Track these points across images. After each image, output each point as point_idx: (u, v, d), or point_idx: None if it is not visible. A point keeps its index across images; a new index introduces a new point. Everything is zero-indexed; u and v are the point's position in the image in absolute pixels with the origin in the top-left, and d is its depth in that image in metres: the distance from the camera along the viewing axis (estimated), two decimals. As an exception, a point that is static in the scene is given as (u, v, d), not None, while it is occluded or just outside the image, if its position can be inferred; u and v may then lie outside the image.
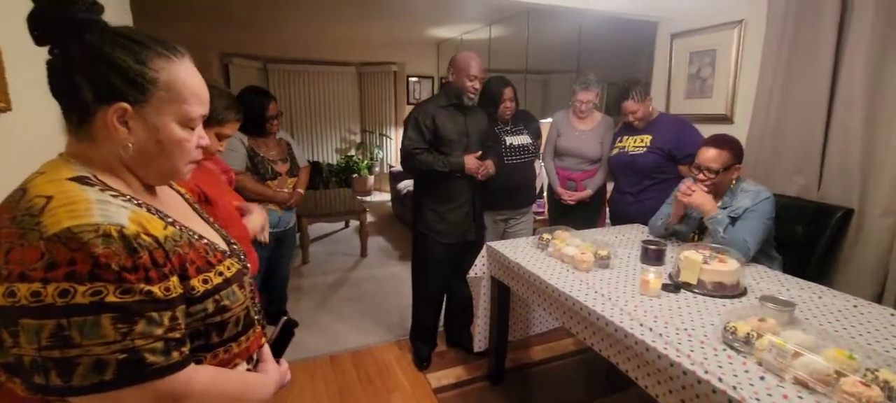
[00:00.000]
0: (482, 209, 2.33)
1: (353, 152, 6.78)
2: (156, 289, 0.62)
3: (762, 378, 1.03)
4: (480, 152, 2.15)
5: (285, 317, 1.04)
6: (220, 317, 0.72)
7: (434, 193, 2.17)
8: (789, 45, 2.15)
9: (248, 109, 2.27)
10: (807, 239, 2.00)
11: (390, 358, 2.42)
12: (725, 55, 2.53)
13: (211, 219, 0.91)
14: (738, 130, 2.43)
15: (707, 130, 2.28)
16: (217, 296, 0.71)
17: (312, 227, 4.16)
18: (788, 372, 1.02)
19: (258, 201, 2.26)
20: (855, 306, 1.43)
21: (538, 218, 3.42)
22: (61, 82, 0.65)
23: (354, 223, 4.93)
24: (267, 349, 0.89)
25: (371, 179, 6.72)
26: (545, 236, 1.97)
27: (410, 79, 6.61)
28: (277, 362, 0.89)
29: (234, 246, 0.87)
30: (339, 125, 6.69)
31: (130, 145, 0.67)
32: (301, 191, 2.46)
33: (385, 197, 6.58)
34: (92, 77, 0.64)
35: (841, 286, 1.89)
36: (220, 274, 0.74)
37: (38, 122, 1.13)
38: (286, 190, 2.38)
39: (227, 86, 5.59)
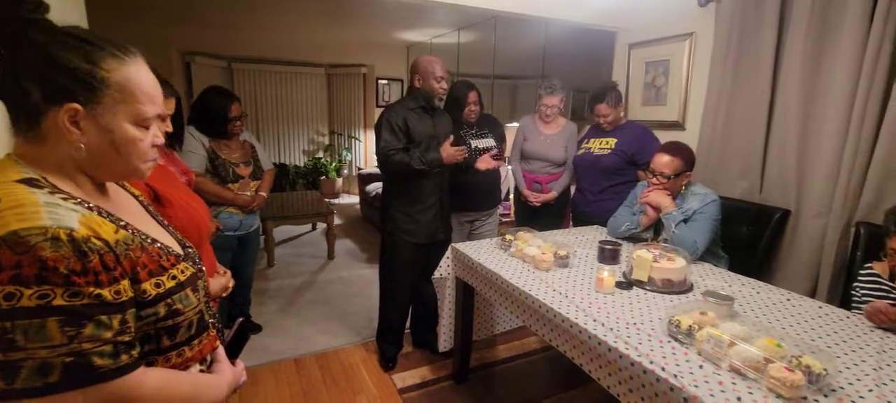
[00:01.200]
0: (449, 209, 2.37)
1: (320, 154, 6.69)
2: (105, 293, 0.62)
3: (701, 367, 1.11)
4: (452, 138, 2.16)
5: (241, 318, 1.04)
6: (171, 321, 0.72)
7: (404, 194, 2.19)
8: (734, 58, 2.30)
9: (209, 110, 2.24)
10: (750, 239, 2.14)
11: (356, 360, 2.42)
12: (678, 65, 2.67)
13: (165, 222, 0.90)
14: (690, 136, 2.57)
15: (662, 136, 2.41)
16: (169, 300, 0.72)
17: (278, 230, 4.09)
18: (724, 361, 1.10)
19: (217, 204, 2.23)
20: (788, 299, 1.55)
21: (505, 220, 3.49)
22: (9, 83, 0.64)
23: (322, 225, 4.87)
24: (221, 350, 0.89)
25: (339, 182, 6.66)
26: (508, 237, 2.03)
27: (380, 81, 6.60)
28: (233, 363, 0.89)
29: (190, 250, 0.87)
30: (307, 126, 6.60)
31: (83, 146, 0.67)
32: (264, 194, 2.42)
33: (353, 199, 6.54)
34: (40, 78, 0.63)
35: (780, 282, 2.03)
36: (173, 277, 0.74)
37: None
38: (248, 193, 2.34)
39: (188, 85, 5.43)
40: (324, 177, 6.49)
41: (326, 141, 6.76)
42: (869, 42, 1.81)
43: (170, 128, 1.30)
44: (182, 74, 5.43)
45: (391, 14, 4.41)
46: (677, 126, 2.70)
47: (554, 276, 1.71)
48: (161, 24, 4.84)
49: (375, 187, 5.04)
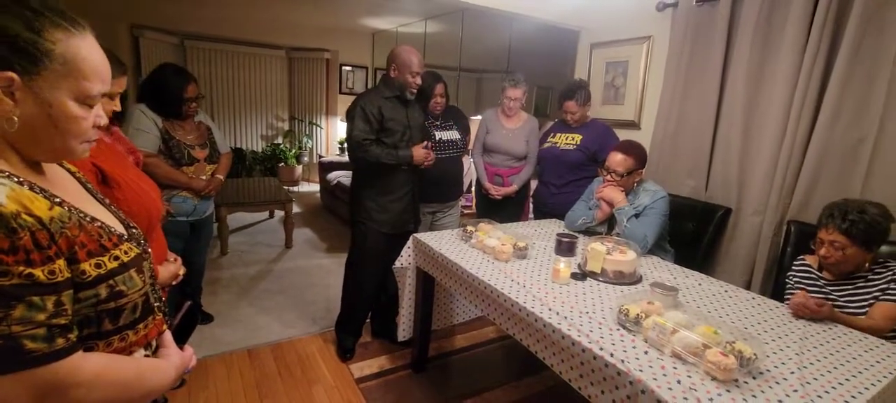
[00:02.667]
0: (419, 200, 2.38)
1: (279, 140, 6.49)
2: (38, 273, 0.58)
3: (646, 353, 1.17)
4: (426, 143, 2.19)
5: (189, 302, 1.01)
6: (114, 303, 0.69)
7: (376, 184, 2.18)
8: (687, 63, 2.42)
9: (163, 89, 2.12)
10: (694, 235, 2.27)
11: (313, 350, 2.38)
12: (636, 67, 2.78)
13: (107, 201, 0.85)
14: (644, 135, 2.69)
15: (620, 135, 2.51)
16: (112, 282, 0.68)
17: (233, 217, 3.94)
18: (667, 347, 1.17)
19: (170, 187, 2.13)
20: (725, 291, 1.66)
21: (466, 212, 3.53)
22: None
23: (279, 213, 4.74)
24: (168, 334, 0.86)
25: (299, 169, 6.49)
26: (469, 228, 2.05)
27: (344, 67, 6.46)
28: (181, 348, 0.86)
29: (134, 230, 0.83)
30: (266, 111, 6.37)
31: (15, 119, 0.62)
32: (221, 177, 2.33)
33: (314, 187, 6.39)
34: None
35: (720, 275, 2.18)
36: (116, 258, 0.71)
37: None
38: (204, 177, 2.24)
39: (136, 62, 5.10)
40: (283, 163, 6.30)
41: (286, 126, 6.55)
42: (805, 56, 1.96)
43: (118, 108, 1.23)
44: (130, 49, 5.09)
45: (357, -1, 4.33)
46: (633, 125, 2.81)
47: (513, 267, 1.75)
48: (106, -6, 4.52)
49: (337, 175, 4.95)
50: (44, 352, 0.57)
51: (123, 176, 1.22)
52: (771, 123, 2.09)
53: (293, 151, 6.39)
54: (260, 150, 6.35)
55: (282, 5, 4.80)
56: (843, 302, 1.56)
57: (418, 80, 2.14)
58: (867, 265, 1.55)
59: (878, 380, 1.12)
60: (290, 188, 6.18)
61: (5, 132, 0.63)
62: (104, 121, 0.73)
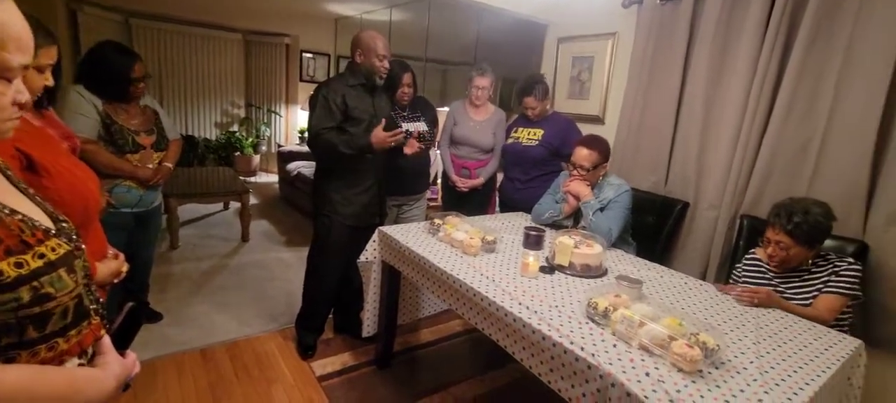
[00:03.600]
0: (386, 193, 2.30)
1: (235, 128, 6.18)
2: None
3: (615, 346, 1.18)
4: (384, 122, 2.05)
5: (131, 303, 0.91)
6: (39, 308, 0.60)
7: (341, 176, 2.09)
8: (650, 60, 2.47)
9: (104, 68, 1.93)
10: (655, 228, 2.34)
11: (272, 348, 2.28)
12: (601, 62, 2.82)
13: (30, 191, 0.75)
14: (608, 130, 2.73)
15: (585, 130, 2.54)
16: (36, 283, 0.60)
17: (184, 208, 3.71)
18: (635, 339, 1.18)
19: (113, 176, 1.96)
20: (685, 282, 1.72)
21: (432, 204, 3.49)
22: None
23: (235, 205, 4.51)
24: (107, 340, 0.77)
25: (256, 159, 6.22)
26: (436, 221, 2.02)
27: (305, 54, 6.22)
28: (122, 354, 0.78)
29: (64, 224, 0.73)
30: (221, 97, 6.04)
31: None
32: (169, 165, 2.17)
33: (272, 178, 6.14)
34: None
35: (678, 266, 2.25)
36: (41, 256, 0.62)
37: None
38: (151, 165, 2.08)
39: (74, 39, 4.70)
40: (239, 152, 6.01)
41: (242, 114, 6.25)
42: (761, 56, 2.04)
43: (50, 82, 1.09)
44: (66, 24, 4.67)
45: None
46: (598, 120, 2.86)
47: (481, 261, 1.73)
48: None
49: (297, 166, 4.78)
50: None
51: (54, 163, 1.09)
52: (728, 121, 2.17)
53: (250, 140, 6.11)
54: (214, 138, 6.03)
55: (238, -15, 4.55)
56: (790, 293, 1.65)
57: (386, 64, 2.07)
58: (810, 260, 1.63)
59: (830, 366, 1.18)
60: (247, 178, 5.91)
61: None
62: (25, 97, 0.64)
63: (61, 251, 0.65)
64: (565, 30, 3.04)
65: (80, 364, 0.70)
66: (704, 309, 1.50)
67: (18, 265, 0.58)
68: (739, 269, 1.81)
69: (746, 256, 1.82)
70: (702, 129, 2.27)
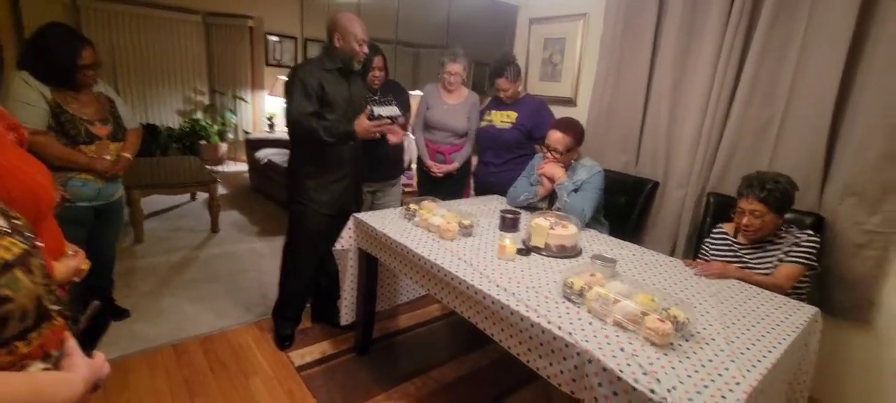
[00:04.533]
0: (362, 179, 2.27)
1: (199, 115, 5.94)
2: None
3: (590, 323, 1.21)
4: (369, 111, 1.99)
5: (96, 302, 0.87)
6: None
7: (316, 162, 2.03)
8: (620, 41, 2.50)
9: (51, 54, 1.81)
10: (626, 207, 2.40)
11: (248, 340, 2.23)
12: (572, 44, 2.84)
13: None
14: (580, 112, 2.77)
15: (557, 112, 2.56)
16: None
17: (148, 200, 3.56)
18: (610, 316, 1.22)
19: (66, 169, 1.85)
20: (655, 259, 1.77)
21: (407, 190, 3.46)
22: None
23: (203, 195, 4.36)
24: (72, 342, 0.74)
25: (223, 147, 6.00)
26: (412, 206, 2.00)
27: (270, 37, 6.00)
28: (89, 355, 0.74)
29: (17, 222, 0.69)
30: (182, 83, 5.77)
31: None
32: (128, 155, 2.06)
33: (241, 167, 5.95)
34: None
35: (648, 244, 2.32)
36: None
37: None
38: (108, 157, 1.97)
39: (16, 22, 4.37)
40: (204, 141, 5.79)
41: (207, 101, 6.00)
42: (725, 38, 2.09)
43: None
44: (8, 8, 4.34)
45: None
46: (570, 102, 2.89)
47: (458, 245, 1.74)
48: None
49: (267, 154, 4.65)
50: None
51: (2, 157, 1.02)
52: (695, 101, 2.23)
53: (216, 128, 5.89)
54: (177, 127, 5.77)
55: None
56: (754, 262, 1.73)
57: (364, 49, 2.02)
58: (774, 231, 1.72)
59: (790, 333, 1.25)
60: (214, 167, 5.71)
61: None
62: None
63: (16, 250, 0.61)
64: (536, 11, 3.04)
65: (44, 369, 0.67)
66: (674, 283, 1.56)
67: None
68: (707, 244, 1.88)
69: (713, 230, 1.90)
70: (670, 110, 2.33)
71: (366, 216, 1.99)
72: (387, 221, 1.94)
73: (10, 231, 0.64)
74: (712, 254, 1.83)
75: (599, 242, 1.93)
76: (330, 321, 2.36)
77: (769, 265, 1.71)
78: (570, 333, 1.15)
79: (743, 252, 1.77)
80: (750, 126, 2.07)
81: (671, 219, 2.36)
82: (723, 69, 2.11)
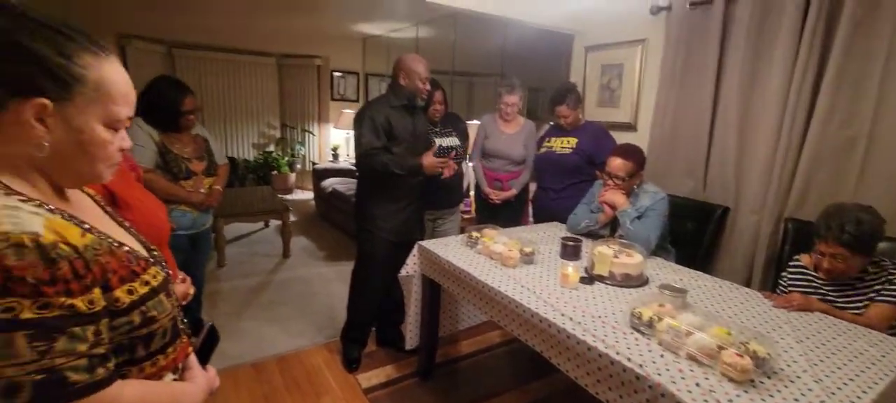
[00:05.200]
0: (424, 208, 2.38)
1: (271, 148, 6.43)
2: (78, 302, 0.57)
3: (662, 356, 1.19)
4: (436, 147, 2.16)
5: (210, 323, 1.00)
6: (146, 329, 0.69)
7: (383, 192, 2.18)
8: (682, 65, 2.46)
9: (160, 102, 2.09)
10: (694, 234, 2.31)
11: (319, 361, 2.37)
12: (631, 69, 2.82)
13: (126, 224, 0.85)
14: (641, 137, 2.72)
15: (617, 137, 2.54)
16: (144, 307, 0.68)
17: (228, 228, 3.90)
18: (682, 349, 1.19)
19: (169, 202, 2.10)
20: (730, 290, 1.70)
21: (465, 216, 3.54)
22: None
23: (275, 223, 4.69)
24: (193, 357, 0.86)
25: (292, 177, 6.44)
26: (474, 234, 2.06)
27: (335, 73, 6.43)
28: (204, 369, 0.86)
29: (156, 253, 0.82)
30: (257, 119, 6.31)
31: (46, 144, 0.61)
32: (219, 188, 2.31)
33: (307, 195, 6.34)
34: (5, 68, 0.57)
35: (719, 273, 2.21)
36: (146, 283, 0.70)
37: None
38: (203, 190, 2.22)
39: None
40: (275, 171, 6.25)
41: (278, 134, 6.50)
42: (798, 57, 2.00)
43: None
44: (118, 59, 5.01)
45: (346, 5, 4.31)
46: (629, 127, 2.85)
47: (520, 273, 1.76)
48: (94, 3, 4.44)
49: (332, 182, 4.93)
50: (86, 383, 0.57)
51: (132, 195, 1.21)
52: (766, 123, 2.13)
53: (286, 159, 6.34)
54: (252, 159, 6.29)
55: (271, 12, 4.76)
56: (841, 302, 1.59)
57: (427, 86, 2.16)
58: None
59: (888, 373, 1.16)
60: (284, 196, 6.13)
61: (35, 158, 0.62)
62: (128, 143, 0.73)
63: (159, 278, 0.74)
64: (592, 39, 3.06)
65: (174, 379, 0.78)
66: (751, 316, 1.48)
67: (130, 292, 0.66)
68: (785, 278, 1.76)
69: (790, 264, 1.77)
70: (739, 133, 2.24)
71: (430, 243, 2.07)
72: (450, 248, 2.01)
73: (153, 261, 0.77)
74: (791, 289, 1.71)
75: (667, 271, 1.88)
76: (394, 345, 2.44)
77: (858, 304, 1.56)
78: (640, 365, 1.14)
79: (826, 289, 1.63)
80: (830, 146, 1.94)
81: (745, 247, 2.23)
82: (797, 88, 2.01)
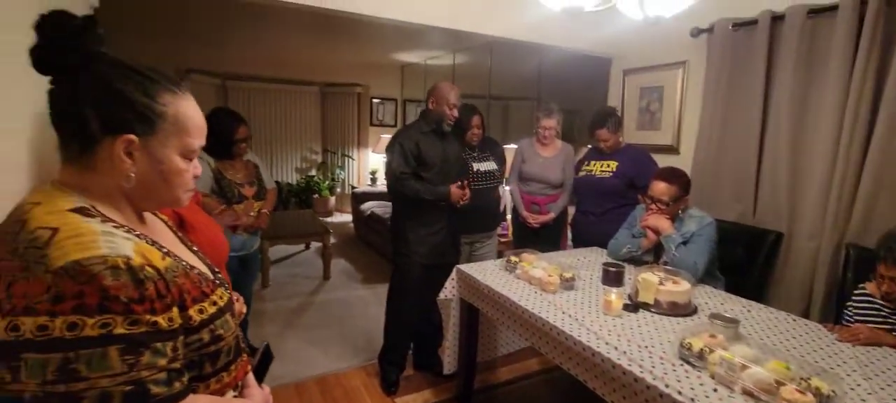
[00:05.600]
0: (457, 232, 2.41)
1: (313, 172, 6.68)
2: (161, 320, 0.63)
3: (715, 390, 1.14)
4: (463, 181, 2.24)
5: (266, 343, 1.05)
6: (214, 347, 0.73)
7: (417, 217, 2.24)
8: (726, 87, 2.40)
9: (216, 131, 2.24)
10: (745, 261, 2.20)
11: (358, 383, 2.39)
12: (671, 92, 2.77)
13: (194, 247, 0.91)
14: (684, 160, 2.65)
15: (659, 160, 2.49)
16: (212, 326, 0.73)
17: (272, 249, 4.06)
18: (737, 384, 1.14)
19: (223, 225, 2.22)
20: (787, 321, 1.60)
21: (502, 240, 3.52)
22: (66, 112, 0.66)
23: (315, 244, 4.84)
24: (250, 375, 0.90)
25: (332, 200, 6.64)
26: (513, 259, 2.06)
27: (374, 100, 6.65)
28: (260, 386, 0.90)
29: (219, 275, 0.88)
30: (300, 144, 6.60)
31: (133, 175, 0.68)
32: (267, 212, 2.42)
33: (346, 218, 6.51)
34: (101, 108, 0.65)
35: (774, 302, 2.09)
36: (214, 303, 0.75)
37: (12, 147, 1.07)
38: (252, 213, 2.34)
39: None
40: (317, 195, 6.47)
41: (319, 159, 6.76)
42: (853, 75, 1.91)
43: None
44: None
45: (386, 35, 4.49)
46: (671, 150, 2.78)
47: (561, 298, 1.74)
48: (157, 41, 4.84)
49: (370, 206, 5.04)
50: (166, 396, 0.62)
51: (197, 219, 1.30)
52: (820, 145, 2.04)
53: (327, 183, 6.56)
54: (295, 183, 6.55)
55: (316, 44, 5.03)
56: (914, 331, 1.48)
57: (455, 113, 2.22)
58: None
59: (974, 419, 1.06)
60: (325, 219, 6.32)
61: (123, 188, 0.69)
62: (200, 170, 0.80)
63: (225, 298, 0.79)
64: (631, 62, 3.04)
65: (234, 396, 0.83)
66: (813, 351, 1.40)
67: (201, 311, 0.71)
68: (850, 309, 1.65)
69: (855, 293, 1.66)
70: (791, 155, 2.15)
71: (468, 267, 2.08)
72: (488, 272, 2.01)
73: (218, 283, 0.82)
74: (857, 320, 1.60)
75: (716, 299, 1.80)
76: (432, 369, 2.44)
77: (935, 334, 1.45)
78: (692, 399, 1.10)
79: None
80: (893, 168, 1.83)
81: (802, 275, 2.11)
82: (853, 108, 1.91)
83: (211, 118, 2.44)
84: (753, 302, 1.78)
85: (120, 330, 0.58)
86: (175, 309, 0.66)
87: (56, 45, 0.65)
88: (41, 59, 0.65)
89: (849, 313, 1.64)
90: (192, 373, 0.71)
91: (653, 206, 2.04)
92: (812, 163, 2.09)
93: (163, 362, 0.62)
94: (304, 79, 6.30)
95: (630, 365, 1.26)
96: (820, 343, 1.44)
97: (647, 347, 1.36)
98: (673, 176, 2.03)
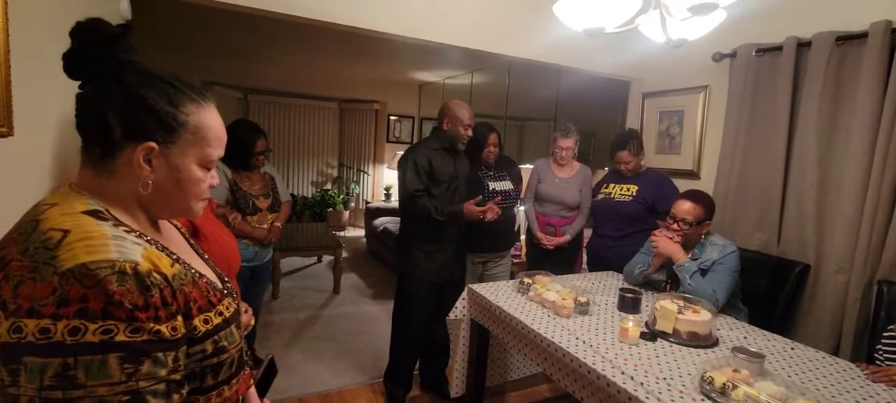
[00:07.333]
0: (465, 249, 2.37)
1: (328, 186, 6.74)
2: (164, 329, 0.61)
3: (739, 429, 1.07)
4: (480, 197, 2.21)
5: (270, 356, 1.03)
6: (216, 359, 0.71)
7: (423, 233, 2.21)
8: (749, 112, 2.35)
9: (236, 143, 2.27)
10: (768, 292, 2.12)
11: (363, 402, 2.34)
12: (692, 116, 2.73)
13: (206, 256, 0.90)
14: (704, 186, 2.59)
15: (679, 185, 2.43)
16: (216, 337, 0.70)
17: (284, 261, 4.07)
18: (763, 423, 1.07)
19: (236, 236, 2.23)
20: (816, 358, 1.52)
21: (516, 261, 3.47)
22: (92, 117, 0.66)
23: (327, 258, 4.84)
24: (252, 389, 0.88)
25: (346, 214, 6.67)
26: (526, 280, 2.01)
27: (391, 117, 6.72)
28: (261, 401, 0.88)
29: (228, 285, 0.87)
30: (317, 158, 6.69)
31: (150, 182, 0.68)
32: (280, 225, 2.42)
33: (359, 232, 6.52)
34: (125, 116, 0.65)
35: (801, 337, 1.99)
36: (220, 313, 0.73)
37: (37, 148, 1.09)
38: (265, 226, 2.34)
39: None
40: (331, 209, 6.51)
41: (335, 173, 6.82)
42: (885, 101, 1.85)
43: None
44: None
45: (405, 54, 4.55)
46: (692, 175, 2.72)
47: (575, 323, 1.68)
48: (185, 53, 4.99)
49: (383, 221, 5.04)
50: None
51: (210, 229, 1.29)
52: (850, 175, 1.96)
53: (341, 197, 6.60)
54: (310, 196, 6.61)
55: (336, 61, 5.12)
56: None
57: (469, 132, 2.21)
58: None
59: None
60: (338, 233, 6.35)
61: (139, 194, 0.69)
62: (216, 181, 0.79)
63: (231, 309, 0.77)
64: (650, 85, 3.01)
65: (234, 411, 0.80)
66: (844, 391, 1.31)
67: (206, 321, 0.69)
68: (881, 350, 1.56)
69: (885, 334, 1.57)
70: (818, 185, 2.08)
71: (480, 287, 2.04)
72: (500, 294, 1.96)
73: (226, 293, 0.81)
74: (888, 361, 1.51)
75: (739, 331, 1.72)
76: (439, 391, 2.38)
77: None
78: (713, 436, 1.03)
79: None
80: (931, 202, 1.75)
81: (832, 310, 2.01)
82: (885, 137, 1.84)
83: (231, 129, 2.49)
84: (779, 336, 1.69)
85: (121, 338, 0.56)
86: (179, 318, 0.64)
87: (90, 52, 0.65)
88: (74, 64, 0.66)
89: (880, 354, 1.55)
90: (192, 385, 0.69)
91: (674, 226, 1.97)
92: (840, 193, 2.01)
93: (163, 372, 0.60)
94: (323, 95, 6.41)
95: (647, 398, 1.19)
96: (852, 384, 1.36)
97: (665, 379, 1.30)
98: (699, 197, 1.96)
